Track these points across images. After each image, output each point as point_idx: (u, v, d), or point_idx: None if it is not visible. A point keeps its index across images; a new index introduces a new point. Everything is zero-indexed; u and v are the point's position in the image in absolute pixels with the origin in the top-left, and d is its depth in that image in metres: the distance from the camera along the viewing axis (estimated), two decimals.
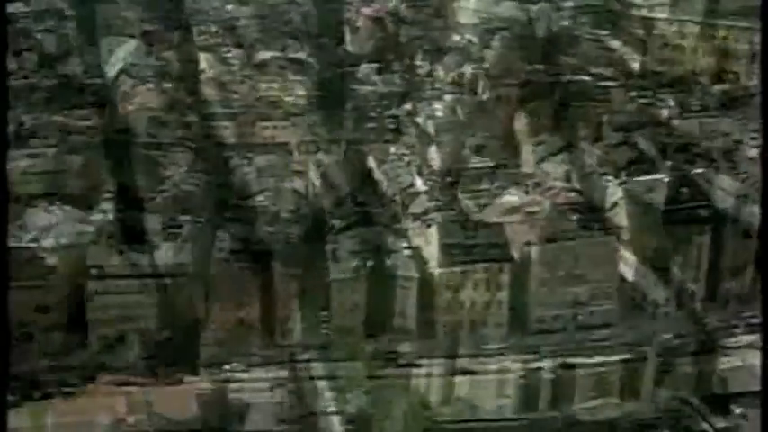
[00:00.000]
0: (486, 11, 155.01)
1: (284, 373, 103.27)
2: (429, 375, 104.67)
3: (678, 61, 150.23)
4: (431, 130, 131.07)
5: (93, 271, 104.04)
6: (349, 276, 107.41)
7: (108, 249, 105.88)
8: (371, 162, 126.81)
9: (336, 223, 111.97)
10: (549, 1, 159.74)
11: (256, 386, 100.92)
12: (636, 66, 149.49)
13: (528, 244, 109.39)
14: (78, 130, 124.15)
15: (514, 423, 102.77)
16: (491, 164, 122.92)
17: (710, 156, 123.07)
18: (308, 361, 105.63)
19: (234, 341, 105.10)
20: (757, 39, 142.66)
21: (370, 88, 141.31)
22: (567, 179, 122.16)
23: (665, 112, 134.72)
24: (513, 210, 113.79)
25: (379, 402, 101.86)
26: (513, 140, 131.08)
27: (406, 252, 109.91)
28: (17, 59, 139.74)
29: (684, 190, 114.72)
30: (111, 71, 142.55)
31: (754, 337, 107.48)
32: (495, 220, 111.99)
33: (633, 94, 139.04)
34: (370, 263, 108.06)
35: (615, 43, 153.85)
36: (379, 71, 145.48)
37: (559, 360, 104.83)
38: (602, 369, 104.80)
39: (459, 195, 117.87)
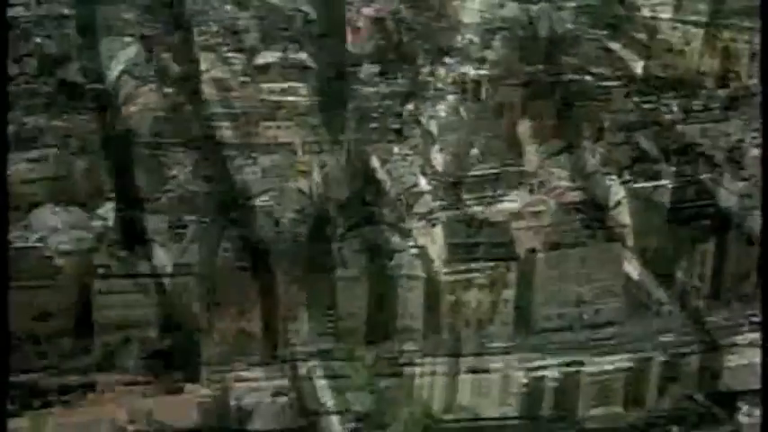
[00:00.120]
0: (489, 11, 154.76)
1: (287, 379, 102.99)
2: (433, 374, 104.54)
3: (682, 65, 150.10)
4: (434, 130, 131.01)
5: (101, 270, 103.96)
6: (354, 276, 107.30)
7: (110, 253, 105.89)
8: (375, 162, 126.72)
9: (341, 223, 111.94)
10: (550, 1, 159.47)
11: (258, 393, 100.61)
12: (639, 70, 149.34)
13: (533, 251, 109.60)
14: (80, 133, 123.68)
15: (516, 423, 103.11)
16: (496, 170, 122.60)
17: (714, 156, 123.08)
18: (311, 358, 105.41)
19: (236, 346, 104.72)
20: (757, 39, 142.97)
21: (372, 89, 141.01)
22: (571, 179, 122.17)
23: (668, 117, 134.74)
24: (517, 216, 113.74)
25: (383, 403, 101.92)
26: (516, 140, 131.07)
27: (412, 251, 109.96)
28: (18, 65, 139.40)
29: (689, 189, 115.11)
30: (112, 73, 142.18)
31: (757, 335, 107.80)
32: (501, 219, 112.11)
33: (636, 99, 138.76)
34: (375, 262, 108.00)
35: (616, 46, 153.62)
36: (381, 72, 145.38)
37: (565, 359, 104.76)
38: (607, 377, 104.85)
39: (464, 196, 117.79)
